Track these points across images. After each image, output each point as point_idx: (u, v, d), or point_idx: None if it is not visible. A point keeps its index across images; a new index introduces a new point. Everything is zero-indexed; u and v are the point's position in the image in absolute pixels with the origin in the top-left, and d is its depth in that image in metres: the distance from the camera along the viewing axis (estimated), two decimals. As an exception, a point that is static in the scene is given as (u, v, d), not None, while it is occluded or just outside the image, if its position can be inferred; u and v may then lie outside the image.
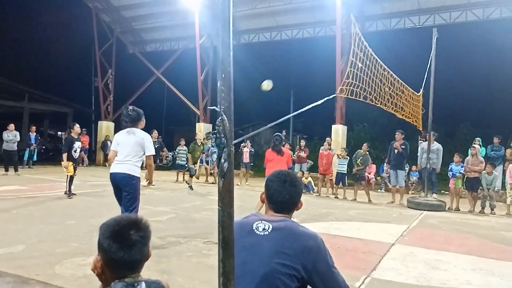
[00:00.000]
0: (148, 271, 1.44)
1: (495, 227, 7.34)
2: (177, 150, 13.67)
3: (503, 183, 9.74)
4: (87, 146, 18.55)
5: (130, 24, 20.83)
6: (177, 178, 13.19)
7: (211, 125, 18.32)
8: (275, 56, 25.60)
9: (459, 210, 9.42)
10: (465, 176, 9.58)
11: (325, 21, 16.87)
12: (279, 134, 7.46)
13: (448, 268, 4.30)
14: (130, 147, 4.47)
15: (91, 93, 23.93)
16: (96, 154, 20.21)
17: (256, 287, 1.55)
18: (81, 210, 6.98)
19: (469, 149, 9.86)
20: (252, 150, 14.17)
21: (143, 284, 1.26)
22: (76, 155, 8.52)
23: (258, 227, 1.69)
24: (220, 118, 1.30)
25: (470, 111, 22.65)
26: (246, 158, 13.67)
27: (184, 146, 13.51)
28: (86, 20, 20.34)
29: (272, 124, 3.14)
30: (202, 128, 17.97)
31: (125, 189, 4.42)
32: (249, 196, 9.55)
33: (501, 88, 20.87)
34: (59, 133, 30.09)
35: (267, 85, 5.59)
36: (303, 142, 13.11)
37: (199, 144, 11.63)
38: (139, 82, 21.15)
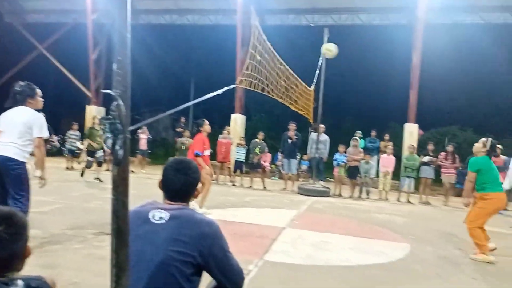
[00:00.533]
0: (28, 267, 1.31)
1: (370, 210, 8.35)
2: (67, 135, 12.59)
3: (378, 171, 11.11)
4: None
5: (5, -11, 18.10)
6: (67, 165, 12.11)
7: (103, 109, 17.10)
8: (175, 40, 24.82)
9: (341, 195, 10.46)
10: (347, 165, 10.68)
11: (227, 9, 16.92)
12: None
13: (331, 248, 4.77)
14: (16, 127, 3.80)
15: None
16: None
17: (150, 276, 1.53)
18: None
19: (351, 141, 10.97)
20: (150, 137, 13.63)
21: (20, 282, 1.15)
22: None
23: (154, 216, 1.67)
24: (115, 103, 1.23)
25: (354, 106, 25.10)
26: (143, 145, 13.11)
27: (77, 131, 12.45)
28: None
29: (171, 111, 3.04)
30: (93, 111, 16.66)
31: (9, 176, 3.75)
32: (145, 184, 9.21)
33: (378, 87, 23.60)
34: None
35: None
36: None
37: (97, 129, 10.49)
38: (19, 57, 18.62)
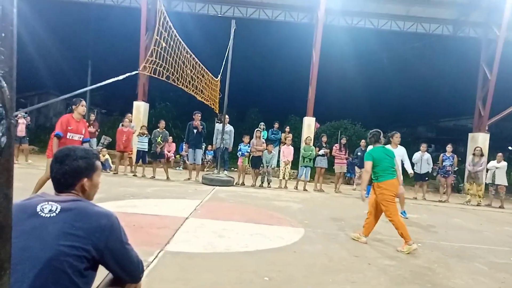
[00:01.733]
0: None
1: (270, 198, 8.78)
2: None
3: (278, 161, 11.71)
4: None
5: None
6: None
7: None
8: (70, 18, 22.68)
9: (244, 184, 10.80)
10: (251, 155, 11.04)
11: (131, -9, 16.04)
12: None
13: (231, 236, 4.92)
14: None
15: None
16: None
17: (38, 273, 1.42)
18: None
19: (255, 132, 11.36)
20: (30, 123, 12.23)
21: None
22: None
23: (43, 209, 1.55)
24: (-3, 84, 1.11)
25: (258, 98, 25.94)
26: (20, 131, 11.75)
27: None
28: None
29: (66, 96, 2.81)
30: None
31: None
32: (32, 175, 8.33)
33: (281, 81, 24.73)
34: None
35: None
36: (92, 116, 12.07)
37: None
38: None
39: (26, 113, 12.07)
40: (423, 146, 11.90)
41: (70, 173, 1.68)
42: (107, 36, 24.54)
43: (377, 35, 19.13)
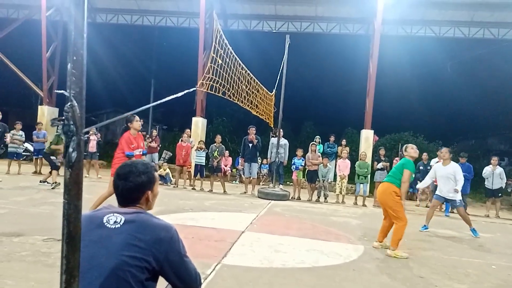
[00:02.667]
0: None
1: (326, 213, 8.57)
2: (10, 135, 11.40)
3: (335, 175, 11.43)
4: None
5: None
6: (8, 168, 11.33)
7: (57, 109, 16.37)
8: (135, 41, 24.31)
9: (300, 199, 10.66)
10: (306, 169, 10.90)
11: (189, 12, 16.85)
12: None
13: (287, 251, 4.85)
14: None
15: None
16: None
17: (103, 281, 1.50)
18: None
19: (310, 146, 11.22)
20: (100, 139, 13.10)
21: None
22: None
23: (109, 220, 1.64)
24: (69, 103, 1.20)
25: (313, 111, 25.72)
26: (92, 147, 12.50)
27: (21, 131, 11.69)
28: None
29: (130, 113, 3.00)
30: (45, 112, 15.92)
31: None
32: (101, 188, 8.90)
33: (337, 94, 24.33)
34: None
35: None
36: (154, 132, 12.70)
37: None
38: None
39: (96, 129, 12.99)
40: (494, 160, 10.98)
41: (135, 189, 1.75)
42: (168, 56, 25.91)
43: (439, 43, 18.21)
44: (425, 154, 11.89)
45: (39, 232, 4.76)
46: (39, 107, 16.50)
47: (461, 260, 5.16)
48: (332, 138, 13.49)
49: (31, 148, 12.47)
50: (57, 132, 9.27)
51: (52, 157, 9.40)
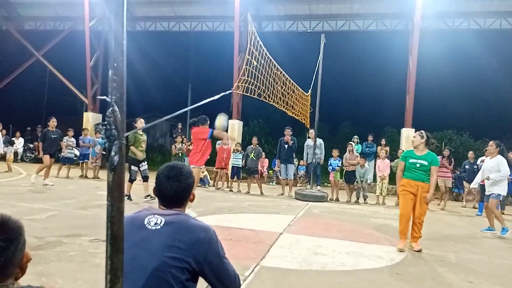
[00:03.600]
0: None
1: (366, 215, 8.36)
2: (64, 141, 11.70)
3: (375, 176, 11.13)
4: None
5: (2, -4, 18.17)
6: (58, 172, 11.91)
7: (100, 115, 17.10)
8: (172, 46, 24.92)
9: (338, 200, 10.47)
10: (344, 170, 10.70)
11: (224, 16, 17.06)
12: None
13: (327, 253, 4.77)
14: None
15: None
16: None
17: (145, 282, 1.53)
18: None
19: (347, 146, 11.01)
20: None
21: None
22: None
23: (150, 222, 1.67)
24: (111, 109, 1.24)
25: (351, 111, 25.17)
26: None
27: (73, 138, 12.32)
28: None
29: (168, 116, 3.05)
30: (90, 118, 16.68)
31: None
32: (140, 191, 9.20)
33: (375, 92, 23.71)
34: None
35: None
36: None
37: (141, 133, 8.45)
38: (16, 64, 18.64)
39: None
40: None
41: (186, 190, 1.80)
42: (205, 60, 26.32)
43: (483, 36, 17.26)
44: (471, 152, 11.32)
45: (86, 233, 4.99)
46: (84, 113, 17.32)
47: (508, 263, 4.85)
48: (370, 138, 13.15)
49: (77, 153, 13.07)
50: (141, 133, 8.45)
51: (133, 168, 8.29)
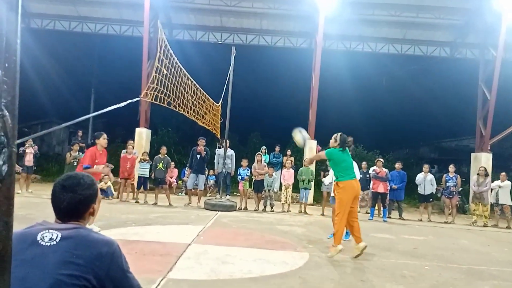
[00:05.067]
0: None
1: (273, 222, 8.68)
2: None
3: (281, 185, 11.64)
4: None
5: None
6: None
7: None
8: (74, 48, 23.18)
9: (247, 209, 10.70)
10: (253, 179, 10.99)
11: (133, 21, 16.45)
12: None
13: (234, 262, 4.84)
14: None
15: None
16: None
17: (38, 304, 1.39)
18: None
19: (256, 156, 11.35)
20: (38, 152, 12.11)
21: None
22: None
23: (43, 237, 1.53)
24: (0, 113, 1.13)
25: (260, 122, 26.07)
26: (28, 161, 11.44)
27: None
28: None
29: (68, 123, 2.85)
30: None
31: None
32: (35, 204, 8.31)
33: (282, 105, 24.93)
34: None
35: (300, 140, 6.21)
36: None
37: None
38: None
39: (33, 141, 12.04)
40: (426, 167, 11.86)
41: (84, 202, 1.66)
42: (110, 64, 25.00)
43: (375, 58, 19.42)
44: (364, 162, 12.52)
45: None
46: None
47: (397, 263, 5.46)
48: (277, 149, 13.75)
49: None
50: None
51: None
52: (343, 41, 17.08)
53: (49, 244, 1.51)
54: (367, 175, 11.48)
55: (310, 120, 15.06)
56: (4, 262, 1.16)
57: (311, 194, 12.80)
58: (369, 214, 11.08)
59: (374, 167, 11.33)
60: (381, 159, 11.90)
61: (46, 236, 1.53)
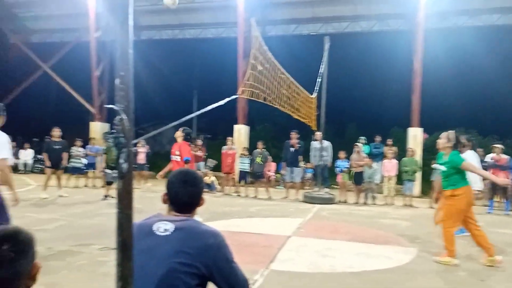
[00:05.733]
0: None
1: (375, 216, 8.32)
2: (72, 151, 11.87)
3: (383, 176, 11.08)
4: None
5: (10, 10, 18.47)
6: (67, 182, 11.90)
7: (108, 124, 17.23)
8: (177, 54, 25.05)
9: (346, 202, 10.43)
10: (352, 171, 10.66)
11: (228, 22, 17.14)
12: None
13: (335, 255, 4.76)
14: None
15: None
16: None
17: (155, 289, 1.54)
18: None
19: (354, 147, 10.98)
20: (149, 150, 13.48)
21: None
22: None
23: (158, 228, 1.68)
24: (118, 117, 1.27)
25: (357, 112, 25.08)
26: (141, 159, 12.78)
27: (81, 148, 12.36)
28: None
29: (174, 123, 3.11)
30: (97, 128, 16.81)
31: None
32: (150, 198, 9.25)
33: (381, 93, 23.63)
34: None
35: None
36: (199, 142, 12.88)
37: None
38: (24, 76, 18.88)
39: (145, 141, 13.47)
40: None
41: (199, 194, 1.83)
42: (209, 66, 26.44)
43: (485, 33, 17.14)
44: (480, 149, 11.21)
45: (95, 242, 5.02)
46: (91, 123, 17.47)
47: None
48: (377, 138, 13.10)
49: (85, 162, 13.11)
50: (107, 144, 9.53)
51: (107, 171, 9.64)
52: (447, 17, 15.46)
53: (163, 234, 1.67)
54: (484, 163, 10.26)
55: (413, 107, 14.02)
56: (128, 250, 1.31)
57: (417, 185, 11.94)
58: (488, 207, 9.91)
59: (492, 154, 10.07)
60: (500, 145, 10.50)
61: (161, 227, 1.69)
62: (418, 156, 11.70)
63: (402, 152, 13.78)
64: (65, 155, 10.39)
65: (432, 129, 17.74)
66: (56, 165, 9.75)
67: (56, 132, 9.93)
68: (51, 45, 19.41)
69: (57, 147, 9.81)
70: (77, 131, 17.13)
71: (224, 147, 12.07)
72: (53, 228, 5.87)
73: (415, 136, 13.80)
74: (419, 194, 12.59)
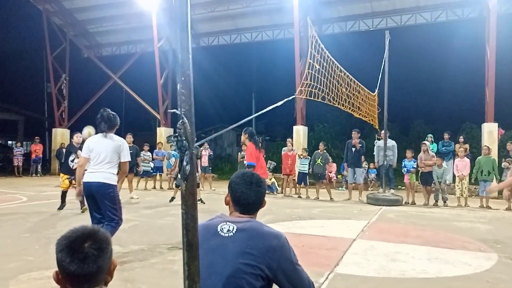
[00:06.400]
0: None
1: (448, 218, 7.77)
2: (141, 155, 12.40)
3: (454, 176, 10.33)
4: (41, 155, 17.76)
5: (84, 27, 20.18)
6: (137, 185, 12.65)
7: (172, 130, 18.04)
8: (235, 58, 25.67)
9: (415, 203, 9.87)
10: (419, 171, 10.08)
11: (284, 24, 17.15)
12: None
13: (406, 259, 4.50)
14: (106, 153, 4.17)
15: (43, 99, 22.86)
16: (51, 163, 19.31)
17: (222, 288, 1.56)
18: (36, 222, 6.65)
19: (421, 146, 10.37)
20: (211, 153, 13.83)
21: None
22: (73, 165, 7.47)
23: (223, 229, 1.70)
24: (181, 121, 1.30)
25: (423, 108, 23.79)
26: (204, 162, 13.05)
27: (148, 152, 13.09)
28: (37, 23, 19.52)
29: (233, 126, 3.15)
30: (163, 133, 17.66)
31: (105, 200, 4.10)
32: (214, 199, 9.50)
33: (450, 87, 22.15)
34: (9, 142, 28.49)
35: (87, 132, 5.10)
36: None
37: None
38: (96, 87, 20.49)
39: (208, 145, 13.87)
40: None
41: (264, 195, 1.84)
42: (266, 68, 26.72)
43: None
44: None
45: (165, 241, 5.26)
46: (158, 128, 18.41)
47: None
48: (446, 136, 12.27)
49: (152, 165, 13.79)
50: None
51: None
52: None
53: (227, 235, 1.68)
54: None
55: (487, 100, 12.92)
56: (193, 250, 1.32)
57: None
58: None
59: None
60: None
61: (225, 227, 1.70)
62: (494, 154, 10.74)
63: (475, 150, 12.81)
64: (139, 160, 11.06)
65: (508, 124, 16.23)
66: (129, 169, 10.35)
67: (129, 138, 10.45)
68: (119, 57, 20.89)
69: (130, 152, 10.43)
70: (146, 136, 18.17)
71: (284, 148, 12.05)
72: (127, 228, 6.23)
73: (490, 132, 12.69)
74: (497, 195, 11.56)
